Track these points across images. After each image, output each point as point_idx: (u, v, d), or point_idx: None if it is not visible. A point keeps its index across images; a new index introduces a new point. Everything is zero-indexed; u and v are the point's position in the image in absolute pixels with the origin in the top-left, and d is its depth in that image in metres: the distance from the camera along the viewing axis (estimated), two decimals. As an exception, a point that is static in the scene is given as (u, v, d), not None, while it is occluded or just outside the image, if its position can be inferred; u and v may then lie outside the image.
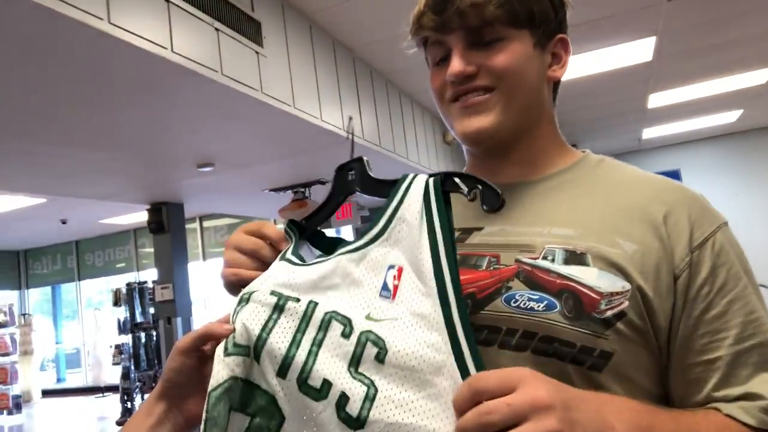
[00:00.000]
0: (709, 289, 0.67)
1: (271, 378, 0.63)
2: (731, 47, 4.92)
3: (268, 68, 3.25)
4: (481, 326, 0.68)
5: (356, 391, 0.58)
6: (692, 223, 0.69)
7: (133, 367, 6.70)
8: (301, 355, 0.62)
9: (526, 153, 0.80)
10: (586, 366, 0.64)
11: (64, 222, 8.34)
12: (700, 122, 7.60)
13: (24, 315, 9.85)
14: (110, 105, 3.09)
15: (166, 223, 6.00)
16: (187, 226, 6.83)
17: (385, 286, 0.64)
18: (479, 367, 0.56)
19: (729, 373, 0.65)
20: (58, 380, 11.43)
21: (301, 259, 0.72)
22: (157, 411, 0.68)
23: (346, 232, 8.63)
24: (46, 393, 10.28)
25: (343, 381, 0.59)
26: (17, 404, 8.09)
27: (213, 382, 0.63)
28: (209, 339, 0.66)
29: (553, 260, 0.69)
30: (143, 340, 6.77)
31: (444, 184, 0.66)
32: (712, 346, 0.66)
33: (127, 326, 6.90)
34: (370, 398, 0.58)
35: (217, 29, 2.85)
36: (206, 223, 9.52)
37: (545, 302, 0.66)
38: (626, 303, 0.65)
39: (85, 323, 10.79)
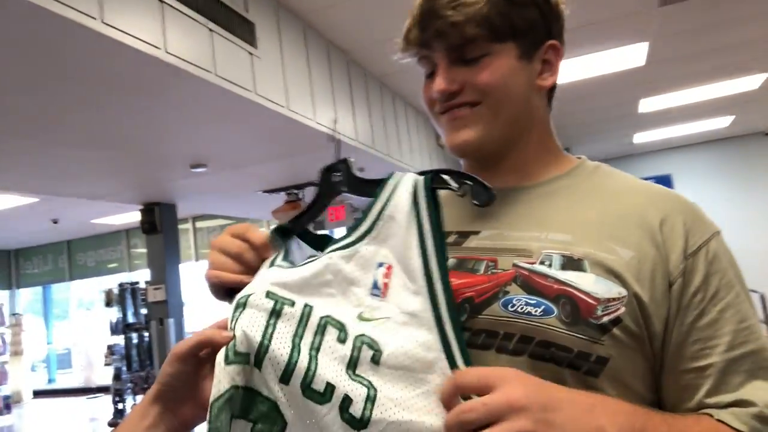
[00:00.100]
0: (702, 296, 0.68)
1: (273, 384, 0.63)
2: (723, 53, 4.96)
3: (262, 69, 3.25)
4: (479, 330, 0.69)
5: (358, 392, 0.60)
6: (687, 230, 0.70)
7: (124, 368, 6.66)
8: (303, 360, 0.62)
9: (517, 161, 0.80)
10: (582, 371, 0.65)
11: (55, 222, 8.29)
12: (691, 127, 7.65)
13: (14, 315, 9.78)
14: (103, 105, 3.08)
15: (159, 223, 5.98)
16: (180, 226, 6.82)
17: (375, 285, 0.65)
18: (469, 364, 0.59)
19: (721, 380, 0.66)
20: (49, 381, 11.35)
21: (293, 264, 0.72)
22: (152, 413, 0.68)
23: (340, 234, 8.62)
24: (37, 394, 10.21)
25: (344, 383, 0.61)
26: (7, 405, 8.05)
27: (215, 392, 0.63)
28: (208, 346, 0.66)
29: (550, 265, 0.69)
30: (135, 340, 6.73)
31: (432, 182, 0.67)
32: (704, 353, 0.67)
33: (119, 327, 6.86)
34: (371, 399, 0.59)
35: (210, 30, 2.85)
36: (199, 224, 9.49)
37: (542, 307, 0.67)
38: (622, 309, 0.66)
39: (76, 324, 10.73)
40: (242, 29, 3.09)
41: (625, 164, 8.34)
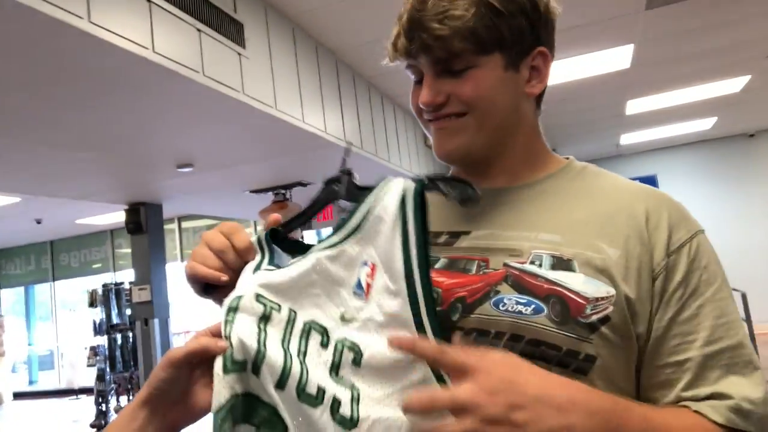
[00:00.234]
0: (683, 292, 0.69)
1: (270, 390, 0.63)
2: (707, 56, 5.02)
3: (250, 69, 3.23)
4: (471, 329, 0.70)
5: (344, 394, 0.62)
6: (671, 227, 0.72)
7: (108, 369, 6.60)
8: (295, 366, 0.64)
9: (506, 164, 0.81)
10: (571, 369, 0.66)
11: (39, 222, 8.19)
12: (676, 129, 7.74)
13: (-4, 316, 9.64)
14: (89, 104, 3.05)
15: (144, 223, 5.94)
16: (166, 226, 6.76)
17: (358, 284, 0.66)
18: None
19: (698, 374, 0.67)
20: (30, 382, 11.20)
21: (279, 267, 0.73)
22: (141, 416, 0.68)
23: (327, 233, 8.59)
24: (18, 395, 10.08)
25: (331, 386, 0.63)
26: (-12, 407, 7.92)
27: (215, 403, 0.63)
28: (203, 355, 0.66)
29: (540, 265, 0.71)
30: (119, 341, 6.67)
31: (422, 186, 0.68)
32: (682, 348, 0.68)
33: (103, 327, 6.79)
34: (355, 399, 0.62)
35: (199, 30, 2.83)
36: (185, 224, 9.42)
37: (533, 306, 0.68)
38: (611, 308, 0.67)
39: (59, 324, 10.60)
40: (231, 29, 3.08)
41: (611, 165, 8.41)
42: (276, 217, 0.77)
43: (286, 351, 0.64)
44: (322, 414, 0.62)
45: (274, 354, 0.64)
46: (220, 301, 0.78)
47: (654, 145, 8.76)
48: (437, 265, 0.76)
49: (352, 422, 0.61)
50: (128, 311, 6.76)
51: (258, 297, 0.67)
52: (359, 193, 0.73)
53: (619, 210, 0.73)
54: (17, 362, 11.30)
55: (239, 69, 3.14)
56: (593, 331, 0.67)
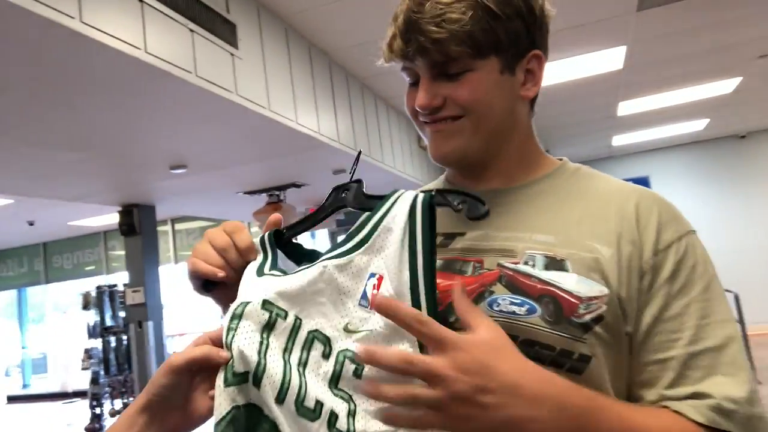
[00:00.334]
0: (668, 290, 0.70)
1: (271, 404, 0.63)
2: (699, 57, 5.05)
3: (243, 70, 3.23)
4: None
5: (341, 407, 0.63)
6: (660, 227, 0.72)
7: (102, 372, 6.57)
8: (294, 378, 0.64)
9: (500, 166, 0.82)
10: (565, 369, 0.67)
11: (31, 224, 8.14)
12: (668, 130, 7.78)
13: (-12, 319, 9.58)
14: (82, 105, 3.04)
15: (138, 225, 5.91)
16: (159, 228, 6.74)
17: (364, 295, 0.66)
18: None
19: (681, 373, 0.67)
20: (24, 386, 11.14)
21: (284, 272, 0.73)
22: (139, 422, 0.67)
23: (322, 236, 8.60)
24: (11, 399, 10.01)
25: (329, 400, 0.63)
26: (-20, 411, 7.87)
27: (216, 414, 0.64)
28: (204, 363, 0.66)
29: (533, 265, 0.71)
30: (113, 344, 6.64)
31: (432, 199, 0.68)
32: (665, 346, 0.68)
33: (97, 330, 6.76)
34: (351, 413, 0.62)
35: (191, 30, 2.83)
36: (178, 226, 9.39)
37: (526, 306, 0.69)
38: (604, 307, 0.68)
39: (52, 327, 10.54)
40: (223, 30, 3.07)
41: (604, 166, 8.45)
42: (277, 217, 0.78)
43: (286, 363, 0.64)
44: (319, 428, 0.62)
45: (275, 366, 0.64)
46: (218, 299, 0.78)
47: (646, 147, 8.80)
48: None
49: None
50: (122, 314, 6.72)
51: (264, 303, 0.66)
52: (368, 202, 0.74)
53: (612, 209, 0.74)
54: (10, 366, 11.23)
55: (232, 69, 3.14)
56: (587, 330, 0.67)
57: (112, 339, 6.64)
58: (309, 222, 0.79)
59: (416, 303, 0.63)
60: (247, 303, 0.67)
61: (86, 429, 6.51)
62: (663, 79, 5.55)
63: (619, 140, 8.07)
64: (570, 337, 0.67)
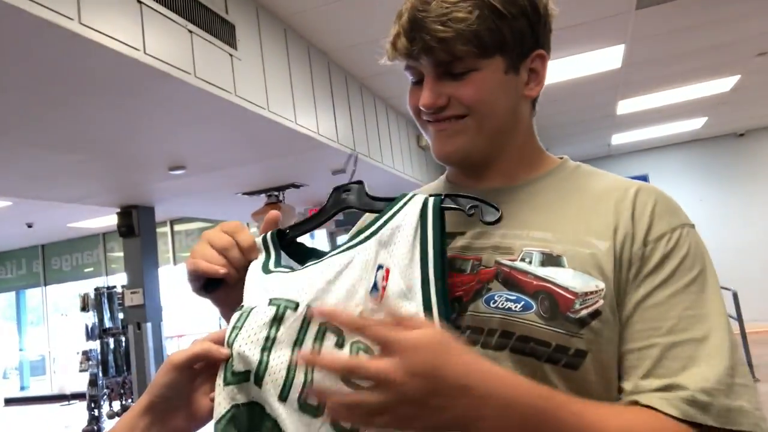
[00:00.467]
0: (653, 280, 0.69)
1: (273, 401, 0.63)
2: (697, 56, 5.06)
3: (242, 71, 3.23)
4: (466, 327, 0.71)
5: None
6: (653, 218, 0.71)
7: (101, 374, 6.56)
8: (299, 376, 0.63)
9: (502, 165, 0.82)
10: (561, 364, 0.66)
11: (30, 226, 8.13)
12: (667, 129, 7.79)
13: (-14, 321, 9.56)
14: (81, 106, 3.04)
15: (137, 226, 5.90)
16: (158, 229, 6.73)
17: (375, 286, 0.66)
18: None
19: (659, 363, 0.65)
20: (22, 388, 11.11)
21: (291, 269, 0.73)
22: (140, 425, 0.67)
23: (320, 235, 8.60)
24: (9, 401, 10.00)
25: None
26: (-21, 413, 7.85)
27: (216, 413, 0.63)
28: (205, 360, 0.66)
29: (530, 262, 0.71)
30: (112, 346, 6.63)
31: (442, 202, 0.69)
32: (645, 335, 0.67)
33: (95, 332, 6.75)
34: None
35: (190, 31, 2.83)
36: (177, 227, 9.38)
37: (522, 303, 0.69)
38: (601, 302, 0.67)
39: (50, 329, 10.52)
40: (222, 31, 3.07)
41: (602, 165, 8.41)
42: (275, 214, 0.77)
43: (291, 360, 0.64)
44: (322, 425, 0.62)
45: (278, 363, 0.64)
46: (219, 301, 0.78)
47: (645, 145, 8.81)
48: None
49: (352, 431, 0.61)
50: (120, 315, 6.71)
51: (271, 301, 0.66)
52: (373, 203, 0.74)
53: (609, 204, 0.74)
54: (8, 368, 11.20)
55: (231, 70, 3.13)
56: (583, 326, 0.67)
57: (111, 341, 6.63)
58: (312, 223, 0.79)
59: (427, 300, 0.63)
60: (253, 307, 0.67)
61: (84, 431, 6.50)
62: (662, 77, 5.56)
63: (618, 139, 8.08)
64: (565, 333, 0.66)
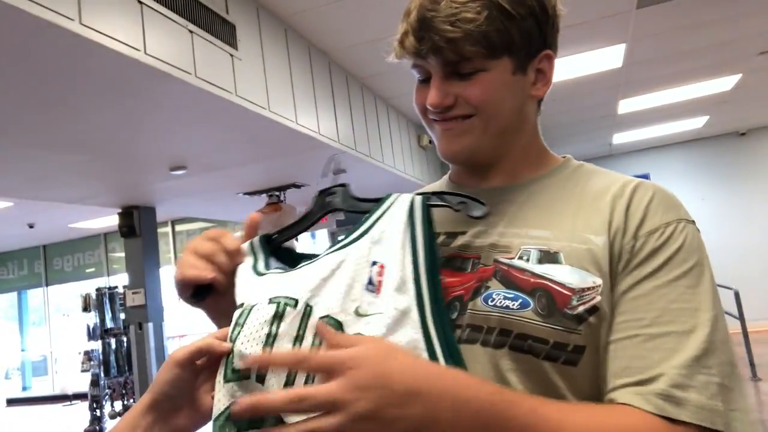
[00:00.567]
0: (640, 271, 0.68)
1: None
2: (698, 55, 5.05)
3: (243, 71, 3.23)
4: (466, 325, 0.71)
5: None
6: (647, 212, 0.71)
7: (102, 374, 6.57)
8: (302, 372, 0.63)
9: (506, 165, 0.82)
10: (560, 361, 0.66)
11: (31, 226, 8.14)
12: (668, 128, 7.78)
13: (-12, 321, 9.57)
14: (82, 106, 3.04)
15: (138, 227, 5.91)
16: (159, 230, 6.73)
17: (370, 281, 0.67)
18: (450, 363, 0.62)
19: (637, 355, 0.64)
20: (24, 388, 11.13)
21: (282, 269, 0.73)
22: (143, 424, 0.66)
23: (322, 236, 8.61)
24: (11, 402, 10.01)
25: None
26: (-19, 414, 7.86)
27: (215, 411, 0.63)
28: (206, 354, 0.65)
29: (528, 260, 0.71)
30: (113, 346, 6.63)
31: (429, 200, 0.71)
32: (627, 326, 0.66)
33: (97, 332, 6.76)
34: None
35: (191, 31, 2.83)
36: (179, 227, 9.39)
37: (519, 300, 0.69)
38: (598, 298, 0.67)
39: (52, 330, 10.54)
40: (223, 31, 3.07)
41: (604, 165, 8.40)
42: (254, 217, 0.78)
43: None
44: None
45: None
46: (210, 309, 0.78)
47: (646, 144, 8.80)
48: None
49: None
50: (122, 315, 6.72)
51: (271, 299, 0.66)
52: (359, 204, 0.75)
53: (607, 200, 0.74)
54: (10, 368, 11.22)
55: (232, 70, 3.13)
56: (581, 322, 0.66)
57: (113, 341, 6.63)
58: (298, 227, 0.79)
59: (419, 294, 0.65)
60: (254, 305, 0.67)
61: (86, 431, 6.51)
62: (663, 76, 5.55)
63: (620, 138, 8.07)
64: (564, 330, 0.66)
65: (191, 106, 3.18)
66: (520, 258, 0.72)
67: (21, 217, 7.44)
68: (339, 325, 0.65)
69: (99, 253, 9.91)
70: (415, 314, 0.64)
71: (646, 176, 8.65)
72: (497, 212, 0.78)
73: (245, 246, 0.75)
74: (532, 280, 0.69)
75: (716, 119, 7.61)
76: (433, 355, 0.62)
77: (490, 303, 0.70)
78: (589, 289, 0.67)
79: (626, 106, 6.40)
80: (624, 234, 0.70)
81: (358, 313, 0.66)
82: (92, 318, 6.87)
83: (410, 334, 0.63)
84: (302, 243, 7.20)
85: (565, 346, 0.66)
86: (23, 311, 11.44)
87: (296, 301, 0.66)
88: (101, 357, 6.61)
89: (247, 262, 0.74)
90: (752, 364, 5.53)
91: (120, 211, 5.95)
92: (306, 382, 0.63)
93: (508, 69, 0.75)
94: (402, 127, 5.99)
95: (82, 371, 6.90)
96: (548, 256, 0.71)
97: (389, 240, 0.68)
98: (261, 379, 0.63)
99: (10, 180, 4.41)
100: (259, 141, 4.05)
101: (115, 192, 5.32)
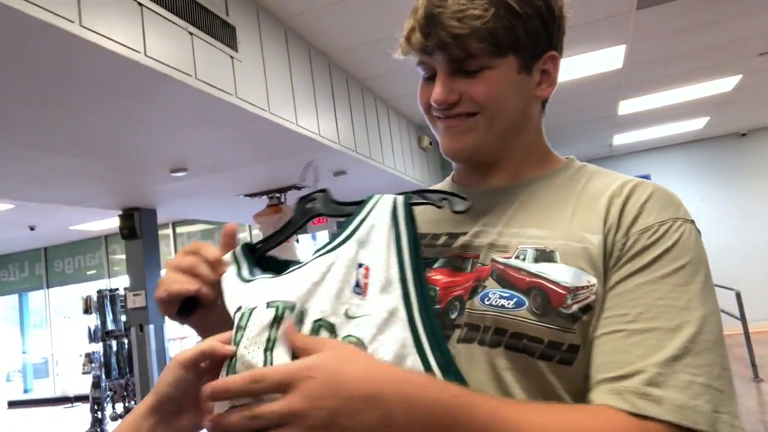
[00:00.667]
0: (628, 268, 0.67)
1: None
2: (699, 55, 5.05)
3: (243, 73, 3.23)
4: (465, 324, 0.71)
5: None
6: (642, 210, 0.70)
7: (103, 376, 6.57)
8: None
9: (509, 164, 0.82)
10: (555, 361, 0.66)
11: (32, 228, 8.15)
12: (668, 129, 7.78)
13: (-11, 324, 9.58)
14: (82, 108, 3.04)
15: (139, 229, 5.91)
16: (160, 232, 6.73)
17: (357, 284, 0.67)
18: (439, 360, 0.62)
19: (618, 350, 0.63)
20: (25, 391, 11.13)
21: (273, 274, 0.73)
22: (145, 426, 0.66)
23: (322, 236, 8.60)
24: (12, 404, 10.01)
25: None
26: (-18, 416, 7.86)
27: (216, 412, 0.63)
28: (210, 357, 0.65)
29: (524, 259, 0.71)
30: (114, 348, 6.64)
31: (411, 199, 0.72)
32: (611, 321, 0.65)
33: (98, 334, 6.76)
34: None
35: (191, 33, 2.83)
36: (179, 229, 9.39)
37: (515, 299, 0.69)
38: (593, 297, 0.67)
39: (53, 332, 10.54)
40: (223, 33, 3.07)
41: (604, 166, 8.38)
42: (230, 227, 0.77)
43: (290, 359, 0.64)
44: None
45: (280, 363, 0.63)
46: (197, 325, 0.77)
47: (647, 146, 8.80)
48: (436, 265, 0.78)
49: None
50: (123, 317, 6.73)
51: (269, 303, 0.66)
52: (341, 208, 0.75)
53: (604, 199, 0.73)
54: (11, 371, 11.22)
55: (232, 72, 3.13)
56: (575, 321, 0.66)
57: (114, 343, 6.64)
58: (280, 236, 0.78)
59: (405, 293, 0.65)
60: (254, 308, 0.67)
61: (88, 433, 6.51)
62: (663, 77, 5.55)
63: (620, 139, 8.07)
64: (558, 329, 0.66)
65: (191, 108, 3.18)
66: (517, 257, 0.72)
67: (22, 219, 7.45)
68: (332, 328, 0.65)
69: (100, 255, 9.93)
70: (402, 313, 0.64)
71: (646, 177, 8.63)
72: (497, 212, 0.78)
73: (227, 256, 0.74)
74: (527, 279, 0.69)
75: (717, 120, 7.60)
76: (422, 353, 0.63)
77: (486, 302, 0.70)
78: (583, 288, 0.67)
79: (627, 107, 6.40)
80: (616, 231, 0.69)
81: (347, 316, 0.66)
82: (93, 320, 6.87)
83: (399, 333, 0.63)
84: (303, 244, 7.20)
85: (560, 346, 0.66)
86: (24, 313, 11.45)
87: (294, 305, 0.67)
88: (102, 359, 6.62)
89: (231, 270, 0.73)
90: (754, 365, 5.52)
91: (121, 213, 5.96)
92: None
93: (513, 68, 0.75)
94: (402, 128, 5.99)
95: (83, 373, 6.91)
96: (544, 255, 0.70)
97: (374, 241, 0.69)
98: None
99: (10, 182, 4.41)
100: (260, 142, 4.05)
101: (116, 194, 5.32)
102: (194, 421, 0.68)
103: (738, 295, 5.57)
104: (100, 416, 6.52)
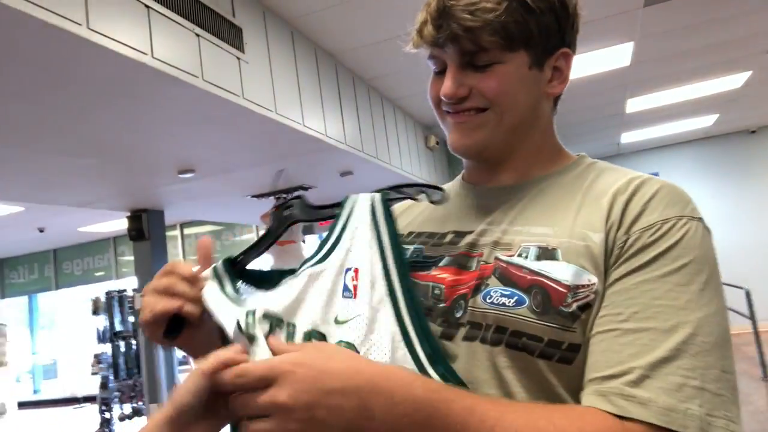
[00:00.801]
0: (627, 266, 0.66)
1: None
2: (707, 52, 5.01)
3: (250, 74, 3.23)
4: (467, 322, 0.71)
5: None
6: (645, 208, 0.68)
7: (112, 377, 6.60)
8: None
9: (518, 161, 0.81)
10: (554, 359, 0.65)
11: (41, 230, 8.20)
12: (677, 126, 7.73)
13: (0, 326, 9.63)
14: (89, 111, 3.05)
15: (147, 230, 5.93)
16: (168, 233, 6.76)
17: (346, 288, 0.68)
18: (430, 358, 0.63)
19: (610, 348, 0.62)
20: (34, 391, 11.20)
21: (266, 285, 0.73)
22: None
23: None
24: (22, 405, 10.07)
25: None
26: (-8, 417, 7.91)
27: (230, 423, 0.65)
28: (231, 365, 0.65)
29: (526, 257, 0.71)
30: (123, 349, 6.66)
31: (387, 196, 0.73)
32: (606, 320, 0.64)
33: (107, 335, 6.79)
34: None
35: (197, 35, 2.83)
36: (187, 230, 9.42)
37: (515, 298, 0.68)
38: (592, 296, 0.66)
39: (63, 333, 10.60)
40: (230, 34, 3.08)
41: (613, 163, 8.41)
42: (205, 240, 0.76)
43: None
44: None
45: None
46: (186, 345, 0.77)
47: (655, 143, 8.75)
48: (442, 263, 0.77)
49: None
50: (131, 318, 6.75)
51: (265, 315, 0.67)
52: (317, 212, 0.77)
53: (609, 196, 0.72)
54: (21, 372, 11.29)
55: (239, 73, 3.14)
56: (575, 319, 0.65)
57: (122, 344, 6.66)
58: (260, 246, 0.78)
59: (390, 289, 0.66)
60: (254, 311, 0.67)
61: (97, 434, 6.54)
62: (671, 74, 5.52)
63: (628, 137, 8.03)
64: (558, 327, 0.65)
65: (198, 110, 3.19)
66: (519, 255, 0.71)
67: (31, 221, 7.50)
68: (323, 337, 0.66)
69: (108, 257, 9.97)
70: (389, 308, 0.65)
71: (655, 175, 8.60)
72: (504, 210, 0.78)
73: (208, 272, 0.74)
74: (528, 277, 0.69)
75: (726, 117, 7.55)
76: (410, 346, 0.64)
77: (488, 300, 0.70)
78: (583, 286, 0.66)
79: (634, 104, 6.36)
80: (618, 229, 0.68)
81: (337, 321, 0.67)
82: (102, 321, 6.90)
83: (388, 327, 0.64)
84: (309, 244, 7.20)
85: (560, 344, 0.65)
86: (33, 315, 11.52)
87: (282, 321, 0.67)
88: (111, 360, 6.65)
89: (213, 286, 0.72)
90: (764, 365, 5.48)
91: (129, 214, 5.98)
92: None
93: (524, 63, 0.75)
94: (409, 128, 5.98)
95: (92, 374, 6.93)
96: (546, 253, 0.70)
97: (358, 243, 0.70)
98: None
99: (20, 185, 4.44)
100: (267, 143, 4.06)
101: (124, 195, 5.35)
102: (210, 430, 0.68)
103: (748, 294, 5.52)
104: (108, 417, 6.54)
